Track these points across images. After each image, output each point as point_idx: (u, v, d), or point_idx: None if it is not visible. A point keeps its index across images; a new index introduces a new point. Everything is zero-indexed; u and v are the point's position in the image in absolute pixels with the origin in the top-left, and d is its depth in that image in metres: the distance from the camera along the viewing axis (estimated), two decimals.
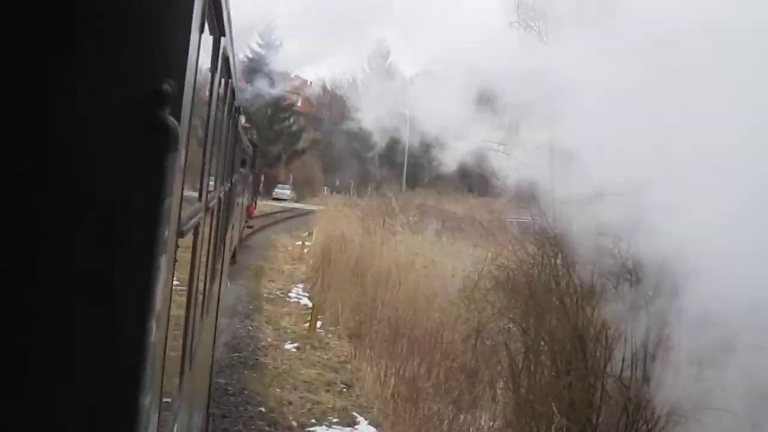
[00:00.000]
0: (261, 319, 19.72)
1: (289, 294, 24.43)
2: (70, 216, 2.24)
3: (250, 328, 18.40)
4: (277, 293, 24.43)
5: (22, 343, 2.22)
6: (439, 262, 24.61)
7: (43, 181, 2.23)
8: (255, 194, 43.58)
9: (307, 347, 17.41)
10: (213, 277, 6.80)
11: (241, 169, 21.09)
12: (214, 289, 7.43)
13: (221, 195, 7.26)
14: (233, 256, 24.41)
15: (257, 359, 15.82)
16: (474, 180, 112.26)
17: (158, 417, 2.60)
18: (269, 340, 17.62)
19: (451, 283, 20.85)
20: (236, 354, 15.81)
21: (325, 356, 16.99)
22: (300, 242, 40.19)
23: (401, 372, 15.63)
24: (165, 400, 2.86)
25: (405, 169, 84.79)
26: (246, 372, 14.89)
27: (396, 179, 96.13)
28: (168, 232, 2.29)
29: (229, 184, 10.04)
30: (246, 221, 35.66)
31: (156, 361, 2.35)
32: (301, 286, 26.09)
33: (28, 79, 2.25)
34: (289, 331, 19.05)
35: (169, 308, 2.64)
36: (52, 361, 2.23)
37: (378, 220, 38.58)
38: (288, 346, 17.45)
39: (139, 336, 2.21)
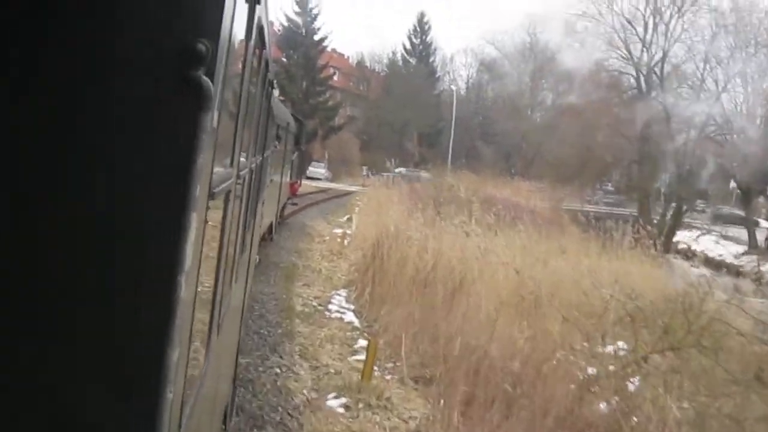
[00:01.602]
0: (293, 352, 14.16)
1: (329, 306, 18.85)
2: (103, 171, 2.29)
3: (278, 370, 12.81)
4: (314, 304, 18.87)
5: (51, 295, 2.29)
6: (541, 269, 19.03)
7: (78, 135, 2.29)
8: (300, 171, 43.68)
9: (360, 405, 11.84)
10: (243, 248, 6.82)
11: (276, 144, 20.14)
12: (244, 260, 7.42)
13: (252, 167, 6.90)
14: (270, 233, 24.65)
15: None
16: (515, 161, 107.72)
17: (185, 374, 2.61)
18: (305, 393, 12.04)
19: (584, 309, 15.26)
20: (254, 422, 10.27)
21: (388, 422, 11.44)
22: (338, 230, 34.73)
23: None
24: (192, 359, 2.88)
25: (451, 147, 78.96)
26: None
27: (435, 159, 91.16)
28: (199, 191, 2.32)
29: (260, 158, 9.71)
30: (289, 198, 35.04)
31: (184, 318, 2.37)
32: (343, 293, 20.49)
33: (61, 32, 2.29)
34: (332, 372, 13.48)
35: (199, 267, 2.66)
36: (81, 308, 2.29)
37: (430, 206, 32.99)
38: (332, 402, 11.88)
39: (168, 291, 2.25)
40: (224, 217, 3.84)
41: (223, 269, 4.13)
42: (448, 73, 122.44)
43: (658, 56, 65.73)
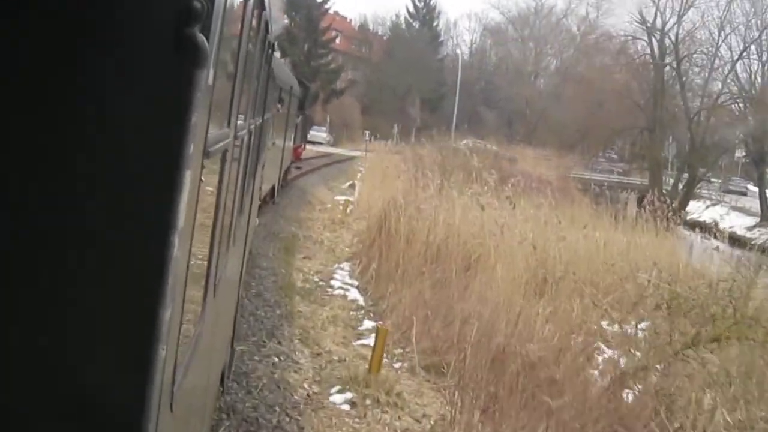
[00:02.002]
0: (293, 336, 12.81)
1: (332, 281, 17.49)
2: (97, 130, 2.29)
3: (276, 359, 11.45)
4: (315, 279, 17.51)
5: (39, 251, 2.29)
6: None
7: (71, 91, 2.29)
8: (305, 136, 42.92)
9: (368, 401, 10.49)
10: (241, 210, 6.81)
11: (279, 107, 20.14)
12: (242, 223, 7.41)
13: (251, 129, 6.96)
14: (273, 196, 24.57)
15: None
16: (517, 127, 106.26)
17: (179, 334, 2.62)
18: (306, 386, 10.70)
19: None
20: (248, 428, 8.93)
21: (399, 422, 10.11)
22: (340, 197, 33.37)
23: None
24: (187, 320, 2.92)
25: (455, 113, 77.21)
26: None
27: (438, 124, 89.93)
28: (193, 149, 2.31)
29: (260, 120, 9.60)
30: (292, 161, 34.60)
31: (178, 277, 2.37)
32: (346, 266, 19.12)
33: None
34: (335, 360, 12.14)
35: (193, 227, 2.65)
36: (72, 264, 2.29)
37: (437, 174, 31.61)
38: (336, 397, 10.53)
39: (161, 249, 2.24)
40: (221, 178, 3.80)
41: (220, 230, 4.08)
42: (452, 37, 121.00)
43: (672, 21, 63.71)
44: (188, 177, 2.30)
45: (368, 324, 14.54)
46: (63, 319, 2.30)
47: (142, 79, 2.28)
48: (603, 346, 16.44)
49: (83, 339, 2.31)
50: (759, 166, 58.80)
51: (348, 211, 27.87)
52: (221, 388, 8.12)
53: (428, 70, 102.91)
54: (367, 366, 11.44)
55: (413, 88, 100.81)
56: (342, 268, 18.88)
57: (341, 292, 16.69)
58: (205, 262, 3.74)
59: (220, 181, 3.82)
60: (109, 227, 2.29)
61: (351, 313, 15.17)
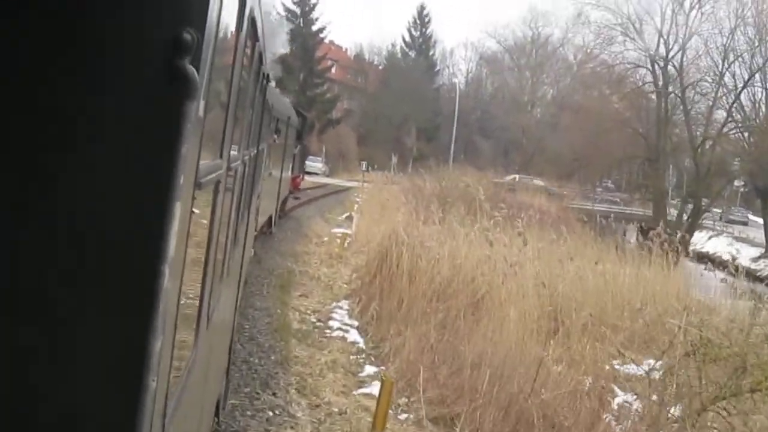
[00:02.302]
0: (289, 385, 11.79)
1: (330, 322, 16.48)
2: (86, 159, 2.29)
3: (270, 414, 10.41)
4: (312, 320, 16.49)
5: (30, 281, 2.29)
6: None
7: (61, 123, 2.28)
8: (302, 166, 42.84)
9: None
10: (235, 241, 6.74)
11: (276, 138, 20.22)
12: (236, 254, 7.35)
13: (245, 159, 6.89)
14: (270, 226, 24.51)
15: None
16: (513, 157, 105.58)
17: (170, 364, 2.60)
18: None
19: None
20: None
21: None
22: (337, 229, 32.41)
23: None
24: (180, 351, 2.91)
25: (453, 143, 76.35)
26: None
27: (434, 154, 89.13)
28: (183, 180, 2.31)
29: (255, 151, 9.47)
30: (291, 191, 34.75)
31: (168, 308, 2.35)
32: (345, 305, 18.11)
33: (47, 19, 2.27)
34: (335, 412, 11.12)
35: (185, 258, 2.65)
36: (63, 294, 2.27)
37: (437, 206, 30.68)
38: None
39: (152, 279, 2.24)
40: (213, 209, 3.80)
41: (213, 261, 4.09)
42: (448, 66, 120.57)
43: (674, 49, 62.60)
44: (178, 208, 2.28)
45: (369, 369, 13.56)
46: (51, 348, 2.28)
47: (132, 111, 2.28)
48: (616, 389, 15.50)
49: (71, 368, 2.28)
50: (766, 196, 57.77)
51: (346, 244, 26.90)
52: (216, 419, 8.04)
53: (424, 99, 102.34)
54: (370, 420, 10.41)
55: (409, 117, 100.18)
56: (341, 307, 17.86)
57: (340, 333, 15.68)
58: (198, 293, 3.71)
59: (213, 213, 3.80)
60: (99, 257, 2.28)
61: (351, 357, 14.16)
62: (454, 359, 13.26)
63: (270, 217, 24.32)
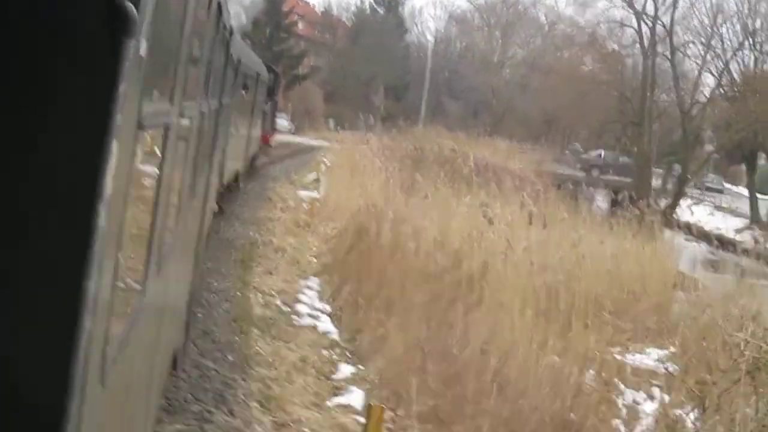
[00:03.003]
0: (249, 396, 9.51)
1: (297, 306, 14.22)
2: (21, 98, 2.24)
3: None
4: (278, 303, 14.20)
5: None
6: None
7: None
8: (273, 122, 42.42)
9: None
10: (194, 192, 6.79)
11: (243, 93, 20.22)
12: (195, 205, 7.41)
13: (203, 110, 6.78)
14: (236, 181, 23.90)
15: None
16: (482, 118, 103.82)
17: (110, 306, 2.54)
18: None
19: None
20: None
21: None
22: (304, 192, 30.13)
23: None
24: (123, 294, 2.90)
25: (424, 102, 73.72)
26: None
27: (403, 114, 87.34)
28: (122, 119, 2.28)
29: (216, 103, 9.28)
30: (260, 147, 34.57)
31: (106, 249, 2.30)
32: (315, 284, 15.86)
33: None
34: None
35: (125, 198, 2.62)
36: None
37: (411, 170, 28.49)
38: None
39: (85, 218, 2.19)
40: (163, 154, 3.74)
41: (164, 208, 4.01)
42: (416, 24, 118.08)
43: (663, 8, 59.37)
44: (116, 146, 2.23)
45: (346, 370, 11.38)
46: None
47: (69, 48, 2.22)
48: (621, 386, 13.64)
49: (4, 311, 2.20)
50: (750, 165, 55.68)
51: (314, 210, 24.52)
52: (174, 371, 8.02)
53: (393, 57, 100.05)
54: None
55: (378, 75, 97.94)
56: (310, 287, 15.59)
57: (310, 321, 13.44)
58: (146, 237, 3.58)
59: (164, 157, 3.73)
60: (35, 195, 2.22)
61: (323, 352, 11.93)
62: (448, 360, 11.09)
63: (236, 173, 23.65)
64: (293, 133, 71.10)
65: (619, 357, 15.17)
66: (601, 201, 57.03)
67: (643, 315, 17.87)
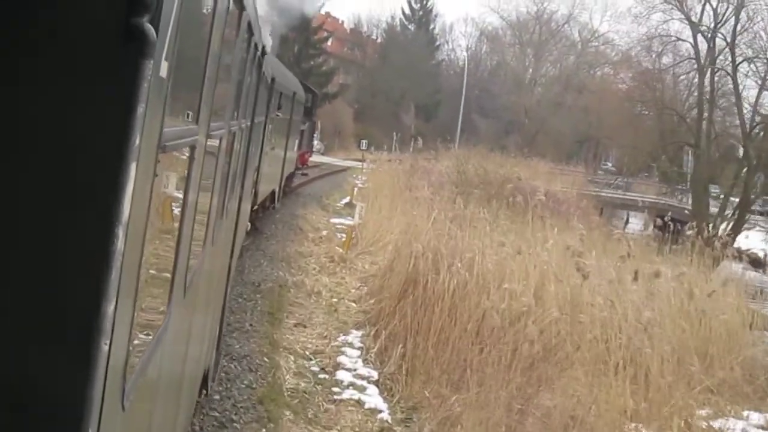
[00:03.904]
0: None
1: (339, 372, 11.56)
2: (40, 120, 2.21)
3: None
4: (314, 370, 11.51)
5: None
6: None
7: (14, 80, 2.21)
8: (310, 142, 42.13)
9: None
10: (224, 212, 6.68)
11: (278, 113, 20.02)
12: (225, 225, 7.25)
13: (233, 130, 6.66)
14: (273, 201, 24.22)
15: None
16: (514, 137, 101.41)
17: (130, 329, 2.54)
18: None
19: None
20: None
21: None
22: (338, 220, 27.56)
23: None
24: (142, 314, 2.83)
25: (460, 121, 70.99)
26: None
27: (433, 133, 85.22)
28: (141, 141, 2.24)
29: (248, 123, 9.27)
30: (298, 167, 34.48)
31: (126, 271, 2.27)
32: (357, 339, 13.18)
33: None
34: None
35: (147, 221, 2.59)
36: (15, 254, 2.20)
37: (456, 197, 25.78)
38: None
39: (104, 241, 2.16)
40: (189, 175, 3.71)
41: (190, 228, 3.96)
42: (447, 42, 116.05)
43: (724, 19, 54.93)
44: (133, 168, 2.19)
45: None
46: (3, 310, 2.19)
47: (88, 69, 2.18)
48: None
49: (25, 331, 2.18)
50: None
51: (353, 238, 21.72)
52: (204, 391, 7.98)
53: (424, 75, 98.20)
54: None
55: (408, 93, 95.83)
56: (351, 344, 12.89)
57: (353, 394, 10.77)
58: (171, 260, 3.57)
59: (189, 178, 3.70)
60: (52, 218, 2.19)
61: None
62: None
63: (273, 192, 23.67)
64: (322, 153, 68.65)
65: (716, 426, 12.60)
66: (637, 223, 54.24)
67: (729, 364, 15.17)
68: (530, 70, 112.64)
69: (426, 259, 12.41)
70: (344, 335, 13.39)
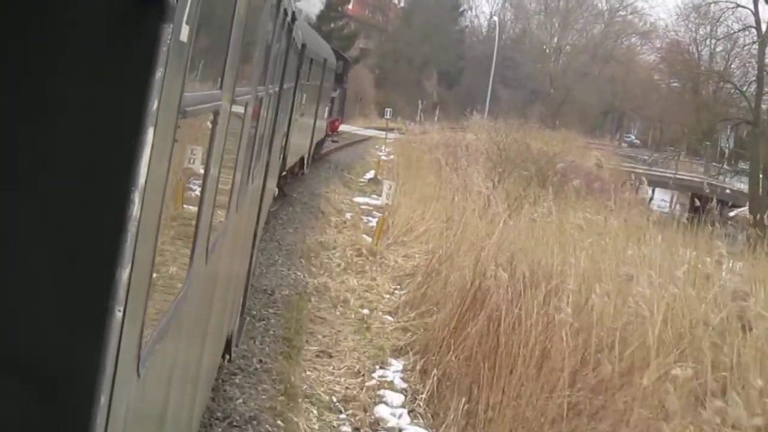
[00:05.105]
0: None
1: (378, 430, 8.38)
2: (58, 84, 2.13)
3: None
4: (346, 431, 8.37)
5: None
6: None
7: (31, 44, 2.13)
8: (341, 110, 41.68)
9: None
10: (248, 176, 6.56)
11: (307, 81, 19.95)
12: (251, 190, 7.21)
13: (260, 96, 6.60)
14: (302, 167, 24.26)
15: None
16: (537, 107, 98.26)
17: (146, 296, 2.45)
18: None
19: None
20: None
21: None
22: (362, 199, 24.46)
23: None
24: (160, 281, 2.82)
25: (490, 90, 67.29)
26: None
27: (455, 101, 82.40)
28: (159, 106, 2.16)
29: (276, 90, 9.14)
30: (328, 134, 34.46)
31: (142, 237, 2.19)
32: (398, 375, 10.09)
33: None
34: None
35: (165, 187, 2.50)
36: (29, 217, 2.13)
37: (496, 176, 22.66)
38: None
39: (119, 207, 2.11)
40: (212, 141, 3.64)
41: (213, 195, 3.89)
42: (471, 8, 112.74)
43: None
44: (151, 133, 2.12)
45: None
46: (9, 276, 2.11)
47: (107, 35, 2.10)
48: None
49: (34, 294, 2.11)
50: None
51: (385, 221, 18.36)
52: (228, 356, 7.89)
53: (447, 41, 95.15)
54: None
55: (431, 60, 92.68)
56: (391, 383, 9.76)
57: None
58: (191, 227, 3.51)
59: (212, 143, 3.63)
60: (68, 182, 2.12)
61: None
62: None
63: (302, 158, 23.77)
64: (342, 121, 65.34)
65: None
66: (661, 199, 50.79)
67: None
68: (555, 39, 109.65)
69: (498, 280, 9.15)
70: (381, 368, 10.24)
